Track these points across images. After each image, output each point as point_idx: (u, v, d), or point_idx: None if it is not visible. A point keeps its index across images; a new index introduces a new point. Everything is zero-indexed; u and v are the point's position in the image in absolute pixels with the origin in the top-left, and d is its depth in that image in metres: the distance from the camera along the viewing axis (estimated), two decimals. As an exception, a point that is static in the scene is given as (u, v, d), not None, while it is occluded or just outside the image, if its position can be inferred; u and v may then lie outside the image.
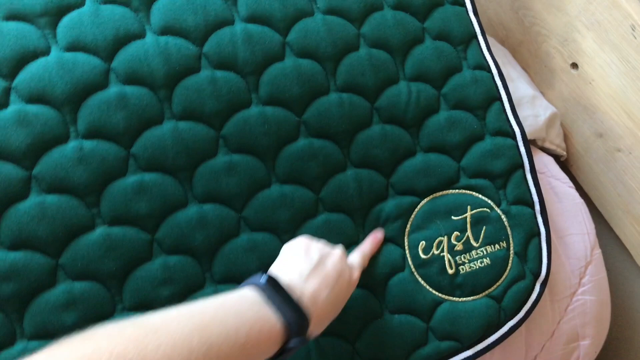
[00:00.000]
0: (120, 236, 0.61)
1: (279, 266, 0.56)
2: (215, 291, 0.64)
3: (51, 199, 0.60)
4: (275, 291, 0.49)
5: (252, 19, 0.68)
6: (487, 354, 0.72)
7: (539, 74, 0.96)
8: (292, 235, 0.67)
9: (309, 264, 0.55)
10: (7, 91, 0.60)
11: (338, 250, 0.59)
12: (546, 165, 0.84)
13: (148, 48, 0.63)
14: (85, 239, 0.60)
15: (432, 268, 0.71)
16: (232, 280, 0.65)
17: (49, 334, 0.59)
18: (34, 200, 0.59)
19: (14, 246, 0.59)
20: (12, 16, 0.61)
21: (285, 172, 0.67)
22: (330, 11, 0.71)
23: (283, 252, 0.58)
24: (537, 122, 0.87)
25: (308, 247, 0.57)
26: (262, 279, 0.50)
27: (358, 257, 0.63)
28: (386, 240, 0.70)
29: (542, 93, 0.95)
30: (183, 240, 0.63)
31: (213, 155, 0.65)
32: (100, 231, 0.60)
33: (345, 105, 0.69)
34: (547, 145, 0.90)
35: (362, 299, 0.69)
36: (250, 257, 0.65)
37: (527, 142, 0.77)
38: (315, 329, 0.53)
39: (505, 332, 0.72)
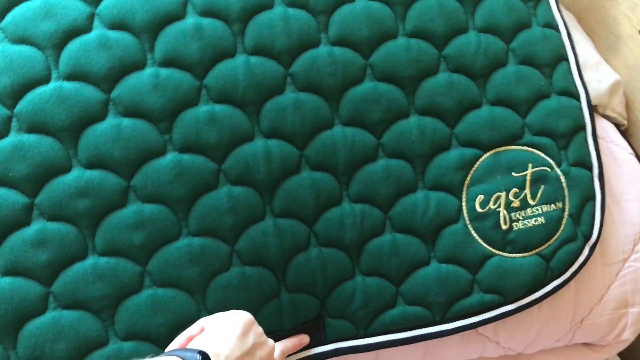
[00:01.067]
0: (189, 163, 0.62)
1: (211, 340, 0.54)
2: (274, 224, 0.65)
3: (127, 122, 0.62)
4: None
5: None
6: (535, 311, 0.73)
7: (604, 40, 0.94)
8: (349, 178, 0.68)
9: (240, 349, 0.54)
10: (92, 17, 0.62)
11: (271, 344, 0.58)
12: (606, 131, 0.83)
13: None
14: (156, 163, 0.62)
15: (486, 222, 0.71)
16: (291, 215, 0.66)
17: (118, 251, 0.61)
18: (110, 122, 0.61)
19: (90, 165, 0.61)
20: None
21: (348, 114, 0.67)
22: None
23: (220, 324, 0.56)
24: (599, 87, 0.85)
25: (246, 331, 0.55)
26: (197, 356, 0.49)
27: (279, 353, 0.61)
28: (444, 190, 0.70)
29: (606, 60, 0.93)
30: (248, 173, 0.64)
31: (281, 91, 0.66)
32: (171, 157, 0.62)
33: (412, 51, 0.69)
34: (609, 112, 0.88)
35: (411, 246, 0.69)
36: (309, 194, 0.66)
37: (591, 106, 0.76)
38: None
39: (549, 291, 0.73)
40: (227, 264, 0.64)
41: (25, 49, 0.61)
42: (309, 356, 0.69)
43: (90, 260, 0.61)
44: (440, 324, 0.71)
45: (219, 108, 0.64)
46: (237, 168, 0.64)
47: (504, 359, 0.81)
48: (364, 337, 0.69)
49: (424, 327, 0.71)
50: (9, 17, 0.61)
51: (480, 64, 0.71)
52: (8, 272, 0.60)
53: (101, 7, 0.62)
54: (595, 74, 0.85)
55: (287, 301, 0.66)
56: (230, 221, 0.64)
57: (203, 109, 0.63)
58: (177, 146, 0.63)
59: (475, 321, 0.71)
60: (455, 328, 0.71)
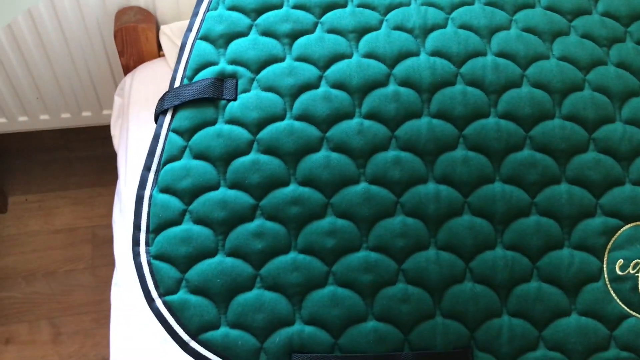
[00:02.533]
0: (376, 193, 0.79)
1: None
2: (436, 254, 0.78)
3: (335, 155, 0.80)
4: None
5: (500, 54, 0.86)
6: None
7: None
8: (504, 227, 0.80)
9: None
10: (320, 78, 0.83)
11: None
12: None
13: (421, 63, 0.83)
14: (351, 188, 0.79)
15: (625, 285, 0.80)
16: (451, 249, 0.79)
17: (313, 251, 0.78)
18: (323, 154, 0.80)
19: (304, 183, 0.79)
20: (331, 30, 0.86)
21: (508, 173, 0.81)
22: (563, 58, 0.87)
23: None
24: None
25: None
26: None
27: None
28: (588, 251, 0.80)
29: None
30: (419, 208, 0.79)
31: (454, 148, 0.82)
32: (362, 186, 0.79)
33: (566, 130, 0.83)
34: None
35: (555, 296, 0.79)
36: (468, 234, 0.79)
37: None
38: None
39: (685, 358, 0.78)
40: (394, 279, 0.77)
41: (271, 95, 0.82)
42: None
43: (292, 255, 0.77)
44: (577, 373, 0.78)
45: (403, 154, 0.80)
46: (412, 202, 0.79)
47: None
48: (507, 375, 0.78)
49: (563, 373, 0.78)
50: (264, 72, 0.84)
51: (625, 148, 0.83)
52: (231, 254, 0.77)
53: (328, 71, 0.83)
54: None
55: (441, 324, 0.77)
56: (401, 244, 0.78)
57: (391, 153, 0.80)
58: (368, 178, 0.79)
59: (610, 376, 0.78)
60: (592, 379, 0.78)
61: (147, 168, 0.80)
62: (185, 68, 0.85)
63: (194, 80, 0.83)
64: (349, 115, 0.81)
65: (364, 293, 0.76)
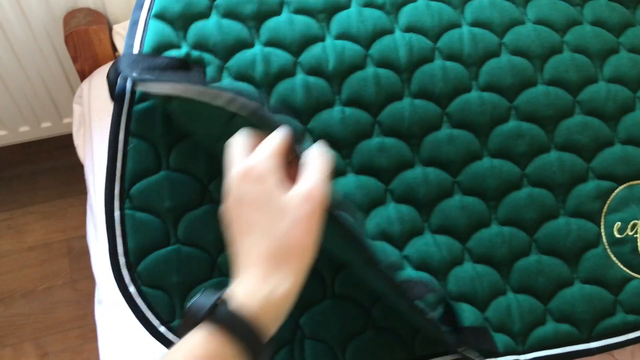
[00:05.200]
0: (364, 182, 0.76)
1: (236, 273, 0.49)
2: (433, 239, 0.76)
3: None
4: (233, 329, 0.45)
5: (475, 23, 0.82)
6: None
7: None
8: (497, 203, 0.78)
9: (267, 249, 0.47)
10: (295, 64, 0.78)
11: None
12: None
13: (397, 41, 0.79)
14: (338, 182, 0.75)
15: (624, 247, 0.78)
16: (446, 232, 0.77)
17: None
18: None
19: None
20: (299, 10, 0.80)
21: (496, 147, 0.79)
22: (539, 22, 0.84)
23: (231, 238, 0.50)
24: None
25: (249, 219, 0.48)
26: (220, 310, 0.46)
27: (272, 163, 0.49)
28: (584, 217, 0.79)
29: None
30: (409, 193, 0.76)
31: (438, 128, 0.78)
32: (350, 177, 0.76)
33: (550, 95, 0.80)
34: None
35: (556, 267, 0.77)
36: (461, 214, 0.77)
37: None
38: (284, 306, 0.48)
39: (691, 315, 0.77)
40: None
41: (246, 86, 0.76)
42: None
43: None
44: (587, 342, 0.77)
45: (388, 140, 0.77)
46: (401, 189, 0.76)
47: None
48: (524, 353, 0.76)
49: (574, 344, 0.77)
50: (234, 60, 0.76)
51: (611, 108, 0.81)
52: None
53: (302, 57, 0.78)
54: None
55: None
56: (397, 230, 0.75)
57: (375, 140, 0.76)
58: (355, 169, 0.76)
59: (620, 340, 0.77)
60: (603, 346, 0.77)
61: (112, 183, 0.73)
62: (141, 45, 0.75)
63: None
64: (329, 104, 0.77)
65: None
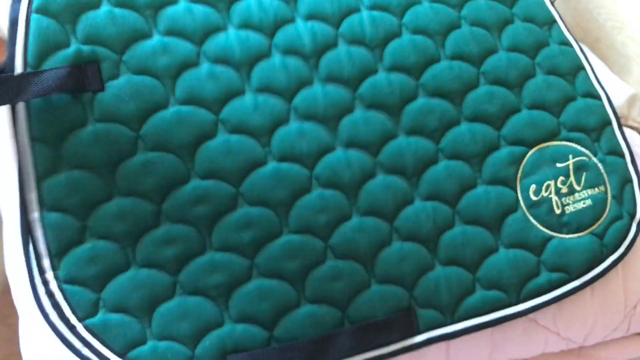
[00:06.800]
0: (287, 170, 0.74)
1: None
2: (360, 222, 0.76)
3: (234, 138, 0.73)
4: None
5: (373, 7, 0.83)
6: (588, 299, 0.81)
7: (617, 64, 1.08)
8: (417, 179, 0.79)
9: None
10: (198, 54, 0.75)
11: None
12: (631, 138, 0.94)
13: (299, 30, 0.79)
14: (260, 171, 0.73)
15: (541, 209, 0.81)
16: (374, 213, 0.76)
17: (231, 248, 0.72)
18: (221, 139, 0.73)
19: (205, 176, 0.72)
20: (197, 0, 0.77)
21: (408, 125, 0.79)
22: (434, 0, 0.86)
23: None
24: (617, 101, 0.97)
25: None
26: None
27: None
28: (501, 184, 0.81)
29: (621, 79, 1.06)
30: (334, 177, 0.75)
31: (351, 110, 0.78)
32: (271, 166, 0.74)
33: (454, 70, 0.82)
34: (630, 123, 1.00)
35: (480, 235, 0.79)
36: (386, 194, 0.77)
37: (612, 104, 0.88)
38: None
39: (608, 266, 0.81)
40: (322, 258, 0.74)
41: (147, 79, 0.73)
42: (403, 348, 0.76)
43: (208, 255, 0.71)
44: (516, 305, 0.78)
45: (306, 125, 0.76)
46: (325, 174, 0.75)
47: (568, 355, 0.87)
48: (452, 324, 0.77)
49: (502, 309, 0.78)
50: (131, 52, 0.73)
51: (513, 75, 0.84)
52: (145, 265, 0.70)
53: (205, 46, 0.75)
54: (612, 89, 0.98)
55: (378, 292, 0.75)
56: (324, 220, 0.74)
57: (294, 125, 0.75)
58: (275, 157, 0.74)
59: (547, 299, 0.79)
60: (531, 307, 0.79)
61: (23, 189, 0.70)
62: (24, 53, 0.69)
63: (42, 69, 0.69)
64: (240, 92, 0.75)
65: (293, 279, 0.73)
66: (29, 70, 0.69)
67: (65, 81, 0.69)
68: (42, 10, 0.71)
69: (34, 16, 0.70)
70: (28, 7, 0.71)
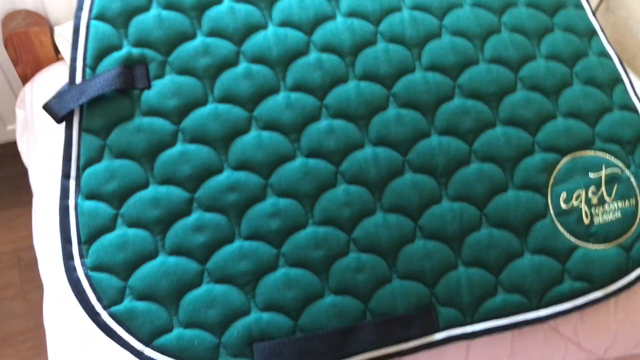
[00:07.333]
0: (314, 165, 0.76)
1: None
2: (383, 218, 0.77)
3: (266, 134, 0.76)
4: None
5: (415, 7, 0.84)
6: (612, 312, 0.81)
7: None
8: (447, 180, 0.79)
9: None
10: (237, 54, 0.78)
11: None
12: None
13: (338, 26, 0.80)
14: (288, 165, 0.75)
15: (570, 217, 0.81)
16: (398, 210, 0.77)
17: (259, 236, 0.74)
18: (253, 134, 0.76)
19: (238, 167, 0.75)
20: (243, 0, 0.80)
21: (442, 125, 0.80)
22: (476, 4, 0.87)
23: None
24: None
25: None
26: None
27: None
28: (532, 190, 0.81)
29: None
30: (360, 174, 0.77)
31: (385, 108, 0.79)
32: (299, 161, 0.76)
33: (492, 73, 0.83)
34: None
35: (506, 239, 0.79)
36: (412, 192, 0.78)
37: (649, 119, 0.88)
38: None
39: (633, 279, 0.81)
40: (346, 250, 0.75)
41: (188, 79, 0.77)
42: (423, 344, 0.77)
43: (237, 243, 0.73)
44: (537, 310, 0.79)
45: (336, 122, 0.78)
46: (352, 170, 0.77)
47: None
48: (472, 324, 0.77)
49: (523, 313, 0.79)
50: (175, 54, 0.78)
51: (551, 83, 0.84)
52: (173, 252, 0.72)
53: (245, 46, 0.79)
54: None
55: (399, 286, 0.76)
56: (348, 213, 0.75)
57: (323, 123, 0.77)
58: (304, 152, 0.76)
59: (568, 307, 0.79)
60: (551, 314, 0.79)
61: (65, 176, 0.74)
62: (84, 56, 0.77)
63: (98, 71, 0.76)
64: (274, 90, 0.77)
65: (318, 269, 0.74)
66: (87, 72, 0.76)
67: (117, 81, 0.75)
68: (100, 17, 0.78)
69: (92, 22, 0.77)
70: (89, 14, 0.77)
